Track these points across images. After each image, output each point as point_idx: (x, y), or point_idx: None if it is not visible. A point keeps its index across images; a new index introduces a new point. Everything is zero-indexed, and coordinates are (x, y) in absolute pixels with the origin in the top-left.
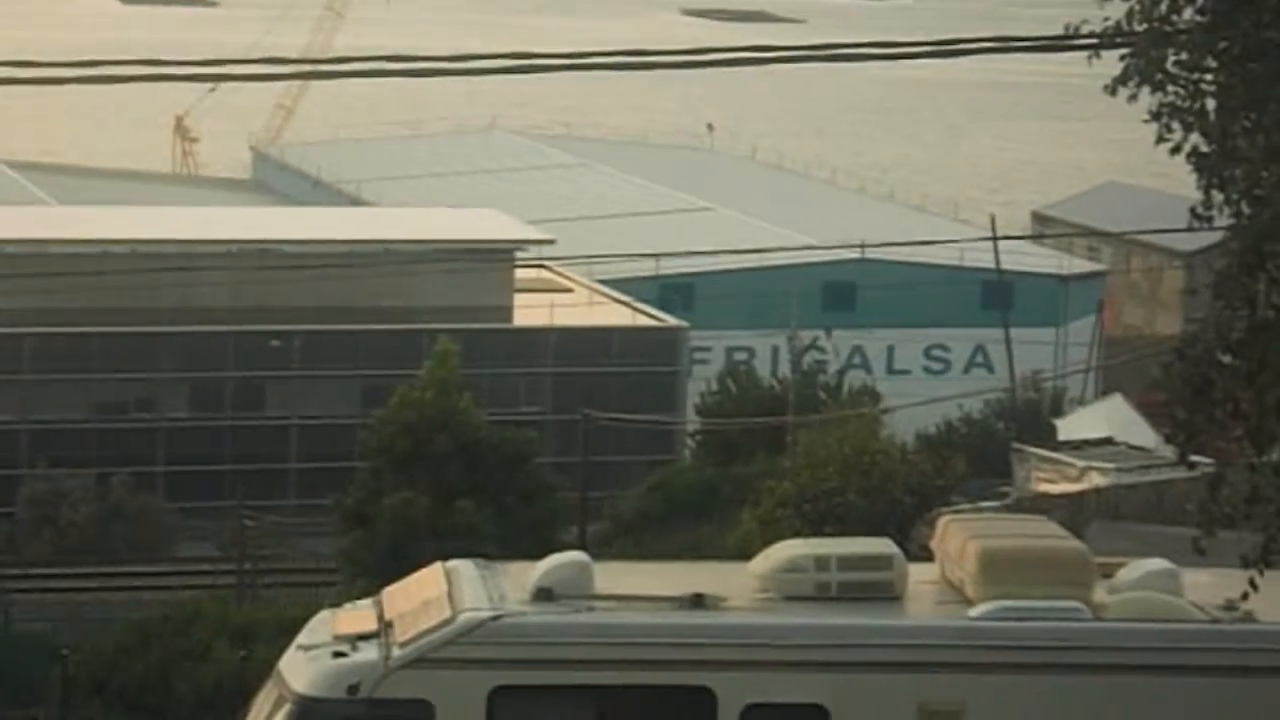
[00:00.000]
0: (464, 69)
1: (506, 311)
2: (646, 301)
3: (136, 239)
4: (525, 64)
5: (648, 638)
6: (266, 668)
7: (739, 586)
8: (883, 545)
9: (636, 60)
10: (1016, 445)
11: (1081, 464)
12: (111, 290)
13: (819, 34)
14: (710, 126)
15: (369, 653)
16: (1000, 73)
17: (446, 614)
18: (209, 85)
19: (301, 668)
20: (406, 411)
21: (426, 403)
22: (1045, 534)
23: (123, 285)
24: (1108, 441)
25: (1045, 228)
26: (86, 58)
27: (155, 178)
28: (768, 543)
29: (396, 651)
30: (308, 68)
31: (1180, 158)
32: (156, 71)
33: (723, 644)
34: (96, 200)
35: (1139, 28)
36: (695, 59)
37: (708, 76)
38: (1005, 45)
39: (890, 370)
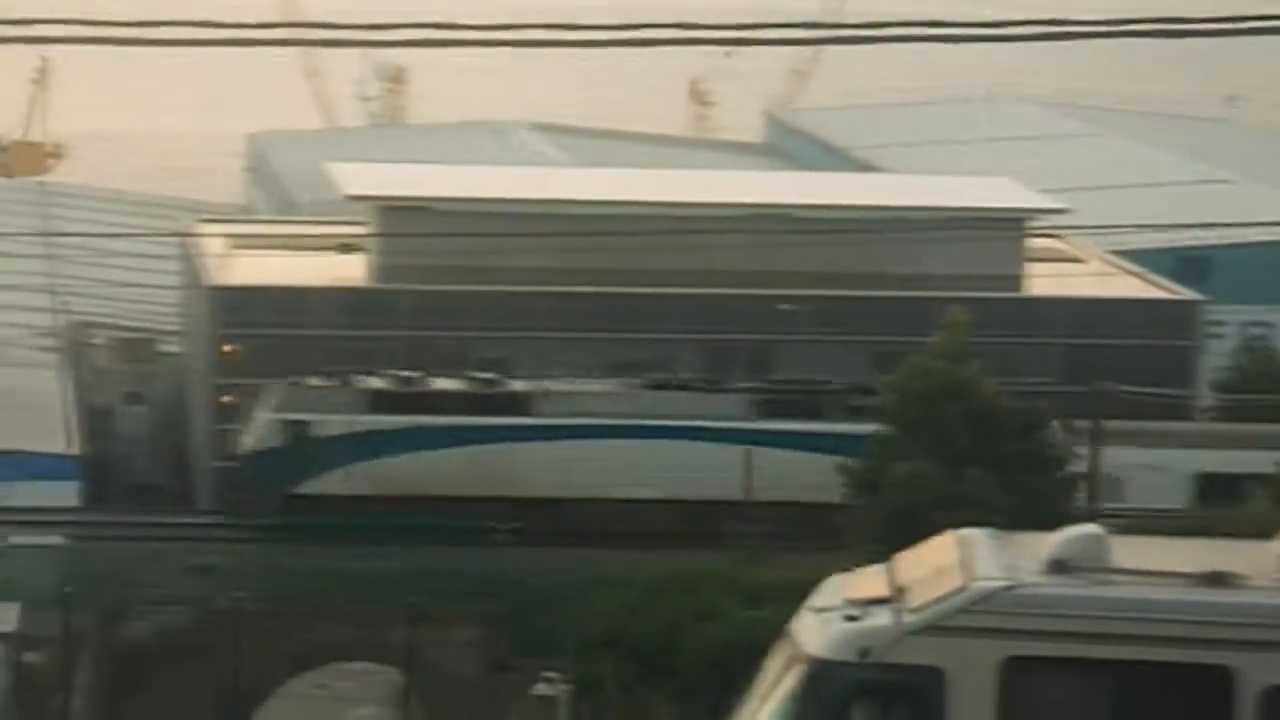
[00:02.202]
0: (981, 35)
1: (1016, 281)
2: (1160, 273)
3: (651, 201)
4: (1049, 31)
5: (1165, 614)
6: (777, 630)
7: (1260, 565)
8: None
9: (1166, 28)
10: None
11: None
12: (625, 251)
13: None
14: (1233, 97)
15: (881, 618)
16: None
17: (959, 582)
18: (724, 49)
19: (814, 630)
20: (917, 379)
21: (937, 371)
22: None
23: (636, 247)
24: None
25: None
26: (612, 21)
27: (670, 141)
28: None
29: (909, 617)
30: (824, 33)
31: None
32: (681, 35)
33: (1244, 624)
34: (612, 162)
35: None
36: (1223, 27)
37: (1231, 45)
38: None
39: None
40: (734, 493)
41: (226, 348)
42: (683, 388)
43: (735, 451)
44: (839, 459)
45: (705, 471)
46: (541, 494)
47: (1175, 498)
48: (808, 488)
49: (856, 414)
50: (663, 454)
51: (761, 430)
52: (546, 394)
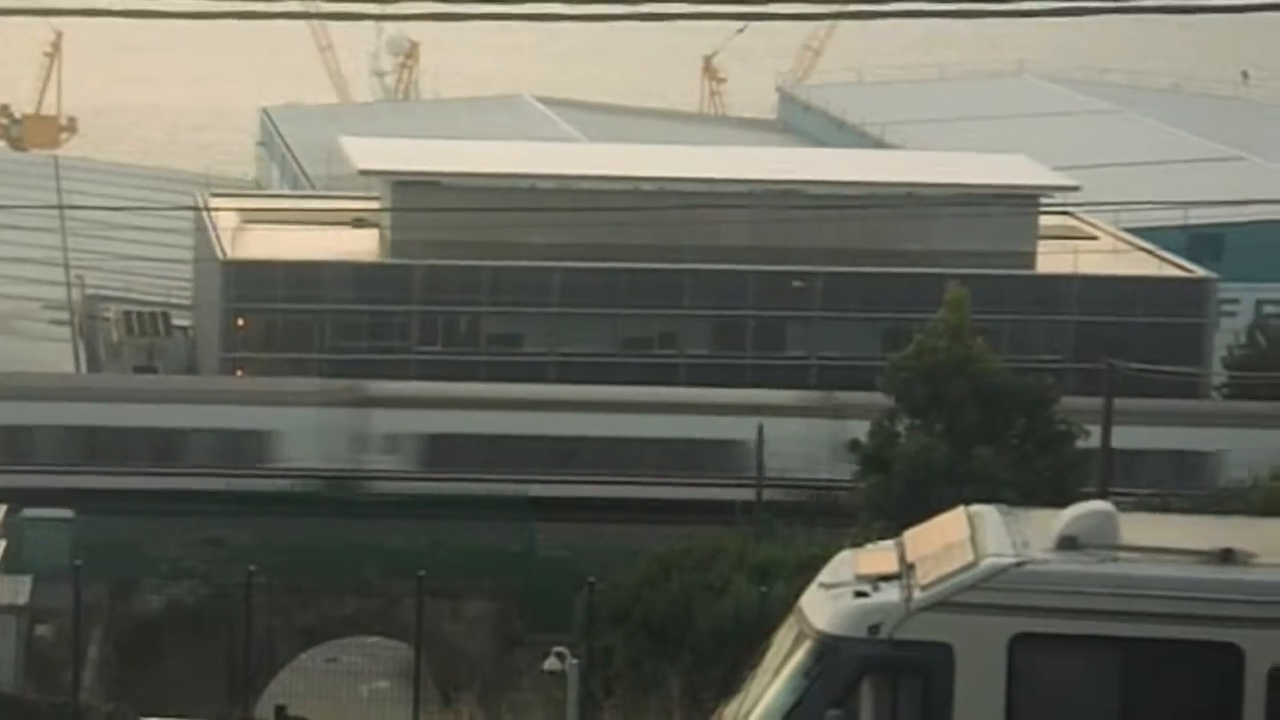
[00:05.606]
0: (993, 10)
1: (1029, 258)
2: (1174, 251)
3: (663, 177)
4: (1061, 7)
5: (1174, 591)
6: (786, 605)
7: (1269, 543)
8: None
9: (1176, 3)
10: None
11: None
12: (638, 227)
13: None
14: (1245, 74)
15: (891, 594)
16: None
17: (969, 558)
18: (738, 25)
19: (823, 606)
20: (923, 357)
21: (941, 349)
22: None
23: (649, 222)
24: None
25: None
26: None
27: (682, 117)
28: None
29: (918, 594)
30: (837, 8)
31: None
32: (693, 10)
33: (1253, 601)
34: (625, 138)
35: None
36: (1235, 3)
37: (1244, 22)
38: None
39: None
40: None
41: (238, 322)
42: None
43: None
44: None
45: None
46: None
47: None
48: None
49: None
50: None
51: None
52: None
